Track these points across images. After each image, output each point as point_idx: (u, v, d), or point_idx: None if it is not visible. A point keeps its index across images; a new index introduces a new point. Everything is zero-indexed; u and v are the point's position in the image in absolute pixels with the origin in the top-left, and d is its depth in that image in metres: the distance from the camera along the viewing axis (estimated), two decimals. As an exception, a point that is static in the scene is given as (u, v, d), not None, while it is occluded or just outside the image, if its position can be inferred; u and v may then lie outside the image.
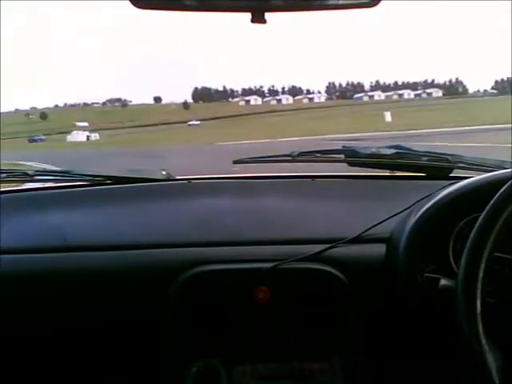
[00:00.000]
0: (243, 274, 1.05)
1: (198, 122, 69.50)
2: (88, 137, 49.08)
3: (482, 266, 0.77)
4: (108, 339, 1.11)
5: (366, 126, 26.01)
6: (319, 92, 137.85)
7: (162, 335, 1.05)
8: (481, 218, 0.79)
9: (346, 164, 1.41)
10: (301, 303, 1.05)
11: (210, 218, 1.21)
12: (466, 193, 0.98)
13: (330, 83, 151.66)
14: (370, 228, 1.08)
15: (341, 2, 0.76)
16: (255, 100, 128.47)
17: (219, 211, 1.24)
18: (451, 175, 1.34)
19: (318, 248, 1.06)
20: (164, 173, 1.42)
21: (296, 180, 1.47)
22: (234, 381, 1.05)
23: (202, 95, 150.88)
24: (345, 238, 1.08)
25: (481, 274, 0.77)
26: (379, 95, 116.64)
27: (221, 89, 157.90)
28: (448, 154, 1.35)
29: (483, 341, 0.75)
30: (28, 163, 9.91)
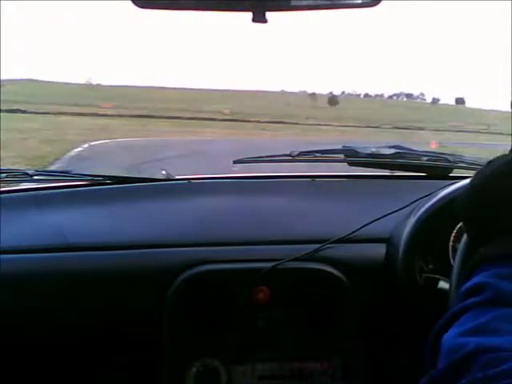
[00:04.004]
0: (243, 273, 1.05)
1: None
2: None
3: None
4: (108, 339, 1.11)
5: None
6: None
7: (161, 335, 1.05)
8: None
9: (346, 164, 1.42)
10: (301, 303, 1.05)
11: (210, 218, 1.21)
12: None
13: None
14: (366, 224, 1.08)
15: (341, 2, 0.76)
16: None
17: (219, 211, 1.24)
18: (451, 175, 1.34)
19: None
20: (164, 173, 1.42)
21: (296, 180, 1.47)
22: (233, 381, 1.05)
23: None
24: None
25: None
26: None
27: None
28: (448, 154, 1.35)
29: None
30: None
